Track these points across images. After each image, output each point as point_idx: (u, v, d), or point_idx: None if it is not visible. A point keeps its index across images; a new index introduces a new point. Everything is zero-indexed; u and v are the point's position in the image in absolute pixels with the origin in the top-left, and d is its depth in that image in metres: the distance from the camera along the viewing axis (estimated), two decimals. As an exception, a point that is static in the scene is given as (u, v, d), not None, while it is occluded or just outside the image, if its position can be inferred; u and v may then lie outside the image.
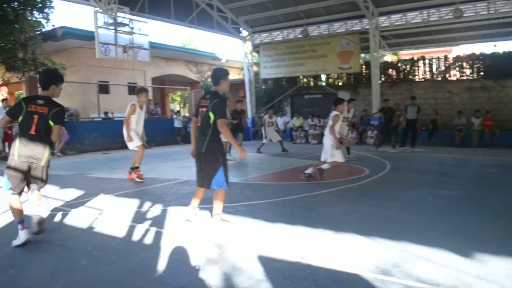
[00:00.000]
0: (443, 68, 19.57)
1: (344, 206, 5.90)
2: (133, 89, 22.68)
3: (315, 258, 3.77)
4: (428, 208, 5.75)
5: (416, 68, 20.31)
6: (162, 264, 3.71)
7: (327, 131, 8.12)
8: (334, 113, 7.99)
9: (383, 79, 20.28)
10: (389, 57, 24.18)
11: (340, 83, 22.08)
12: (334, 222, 4.97)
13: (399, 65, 20.76)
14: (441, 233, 4.51)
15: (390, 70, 20.95)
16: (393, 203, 6.04)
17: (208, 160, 4.85)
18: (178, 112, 23.69)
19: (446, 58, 19.87)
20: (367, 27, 18.03)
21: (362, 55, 22.31)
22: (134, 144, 8.33)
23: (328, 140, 8.01)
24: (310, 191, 7.02)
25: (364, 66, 20.93)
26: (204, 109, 4.81)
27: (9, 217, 5.50)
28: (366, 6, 16.66)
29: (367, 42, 18.30)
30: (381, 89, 18.54)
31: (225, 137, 4.88)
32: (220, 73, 5.04)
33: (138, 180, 8.28)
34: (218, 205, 4.96)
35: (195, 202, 5.16)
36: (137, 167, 8.43)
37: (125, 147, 16.54)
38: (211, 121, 4.74)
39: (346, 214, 5.44)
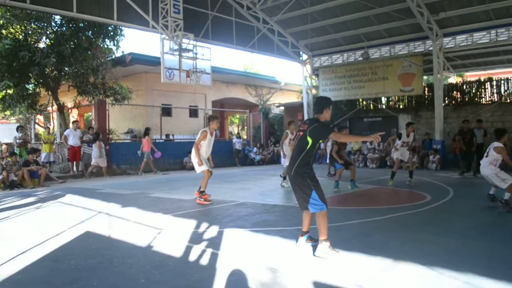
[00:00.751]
0: (512, 90, 18.60)
1: (404, 234, 5.67)
2: (194, 112, 23.52)
3: (373, 287, 3.65)
4: (493, 239, 5.41)
5: (483, 90, 19.41)
6: (217, 286, 3.74)
7: (486, 163, 7.71)
8: (495, 144, 7.61)
9: (446, 101, 19.56)
10: (453, 79, 23.32)
11: (401, 106, 21.54)
12: (393, 250, 4.80)
13: (464, 87, 19.96)
14: (507, 266, 4.23)
15: (455, 92, 20.17)
16: (456, 233, 5.73)
17: (298, 185, 4.79)
18: (238, 134, 23.99)
19: (516, 79, 18.89)
20: (431, 48, 17.53)
21: (425, 77, 21.69)
22: (202, 168, 8.49)
23: (489, 170, 7.64)
24: (368, 217, 6.83)
25: (426, 89, 20.32)
26: (301, 133, 4.84)
27: (76, 232, 5.81)
28: (429, 27, 16.24)
29: (431, 64, 17.77)
30: (445, 112, 17.87)
31: (349, 140, 4.92)
32: (325, 102, 5.03)
33: (206, 203, 8.36)
34: (322, 230, 4.65)
35: (305, 227, 4.98)
36: (203, 191, 8.57)
37: (184, 168, 17.16)
38: (308, 146, 4.73)
39: (406, 242, 5.22)
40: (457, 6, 15.48)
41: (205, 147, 8.54)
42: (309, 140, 4.72)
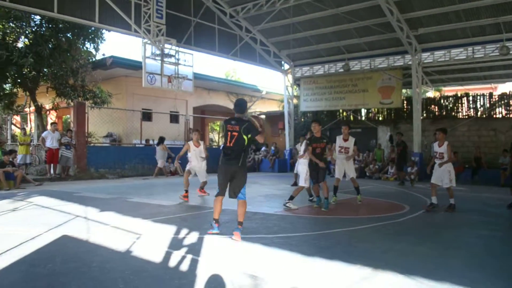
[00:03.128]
0: (487, 105, 19.07)
1: (383, 243, 5.73)
2: (175, 118, 23.37)
3: (352, 295, 3.68)
4: (470, 248, 5.53)
5: (459, 105, 19.89)
6: (197, 292, 3.70)
7: None
8: None
9: (424, 115, 19.94)
10: (431, 93, 23.79)
11: (380, 118, 21.85)
12: (372, 259, 4.84)
13: (442, 101, 20.42)
14: (484, 275, 4.33)
15: (432, 106, 20.62)
16: (434, 242, 5.83)
17: (240, 175, 5.83)
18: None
19: (491, 95, 19.36)
20: (410, 63, 17.87)
21: (404, 90, 22.03)
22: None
23: None
24: (347, 226, 6.88)
25: (405, 102, 20.69)
26: (235, 133, 5.73)
27: (52, 236, 5.69)
28: (409, 42, 16.57)
29: (409, 78, 18.10)
30: (423, 125, 18.19)
31: (260, 141, 6.02)
32: (246, 103, 6.21)
33: (204, 195, 10.32)
34: (243, 215, 5.89)
35: (217, 215, 6.07)
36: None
37: (162, 173, 17.05)
38: (246, 142, 5.74)
39: (385, 251, 5.28)
40: (435, 22, 15.86)
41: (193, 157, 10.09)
42: (245, 137, 5.71)
